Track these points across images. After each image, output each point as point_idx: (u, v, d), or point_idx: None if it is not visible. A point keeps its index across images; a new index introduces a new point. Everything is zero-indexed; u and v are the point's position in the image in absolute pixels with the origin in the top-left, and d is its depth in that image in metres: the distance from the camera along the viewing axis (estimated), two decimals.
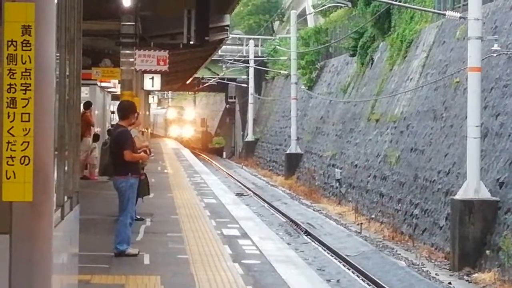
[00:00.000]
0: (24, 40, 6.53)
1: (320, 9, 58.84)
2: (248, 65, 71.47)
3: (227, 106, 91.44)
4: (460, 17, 27.23)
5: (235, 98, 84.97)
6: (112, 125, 11.25)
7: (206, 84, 79.52)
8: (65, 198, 7.35)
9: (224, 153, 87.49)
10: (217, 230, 16.49)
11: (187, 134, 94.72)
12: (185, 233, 15.93)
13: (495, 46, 24.95)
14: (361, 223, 33.23)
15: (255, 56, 70.85)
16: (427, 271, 23.85)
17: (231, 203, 21.86)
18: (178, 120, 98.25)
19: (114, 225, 13.18)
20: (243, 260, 13.18)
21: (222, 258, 13.38)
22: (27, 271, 6.66)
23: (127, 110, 12.89)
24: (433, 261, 25.62)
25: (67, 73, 8.41)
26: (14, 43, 6.51)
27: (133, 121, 13.04)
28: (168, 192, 22.98)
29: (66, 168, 7.33)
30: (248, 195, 43.62)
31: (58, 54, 7.45)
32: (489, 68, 25.87)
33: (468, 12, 24.72)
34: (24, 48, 6.52)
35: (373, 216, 34.65)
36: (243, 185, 49.68)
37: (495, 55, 25.09)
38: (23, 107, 6.50)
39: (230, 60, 73.34)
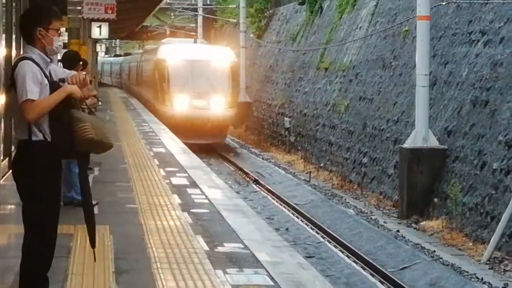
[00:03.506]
0: None
1: None
2: (196, 13, 70.97)
3: None
4: None
5: None
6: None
7: (155, 33, 78.75)
8: (13, 148, 7.32)
9: None
10: (166, 180, 16.50)
11: None
12: (134, 182, 15.93)
13: None
14: (310, 172, 33.40)
15: (203, 4, 70.38)
16: (376, 219, 24.06)
17: (180, 152, 21.84)
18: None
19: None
20: (192, 209, 13.20)
21: (171, 207, 13.42)
22: None
23: (72, 60, 12.80)
24: (381, 209, 25.85)
25: (14, 21, 8.33)
26: None
27: (79, 69, 12.95)
28: (116, 141, 22.86)
29: (13, 118, 7.27)
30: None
31: (3, 2, 7.37)
32: (438, 17, 25.97)
33: None
34: None
35: (322, 165, 34.84)
36: None
37: (444, 3, 25.18)
38: None
39: (179, 8, 72.73)
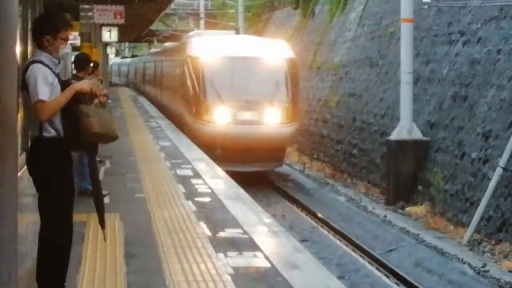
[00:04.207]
0: None
1: None
2: (199, 17, 70.85)
3: None
4: None
5: None
6: (71, 77, 11.19)
7: (162, 36, 78.57)
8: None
9: None
10: (172, 171, 16.48)
11: None
12: (142, 174, 15.91)
13: None
14: (304, 163, 33.42)
15: (205, 10, 70.27)
16: (365, 205, 24.10)
17: (184, 145, 21.82)
18: None
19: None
20: (196, 198, 13.20)
21: (176, 196, 13.40)
22: None
23: (82, 62, 12.78)
24: (370, 196, 25.88)
25: (30, 27, 8.32)
26: None
27: (90, 71, 12.94)
28: (126, 136, 22.85)
29: (26, 117, 7.26)
30: None
31: (20, 9, 7.37)
32: (420, 19, 25.94)
33: None
34: None
35: (315, 156, 34.85)
36: None
37: (426, 7, 25.16)
38: None
39: (182, 13, 72.62)
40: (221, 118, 25.53)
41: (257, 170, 26.09)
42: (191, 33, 38.92)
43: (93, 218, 10.24)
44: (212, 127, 25.48)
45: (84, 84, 6.79)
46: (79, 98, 6.75)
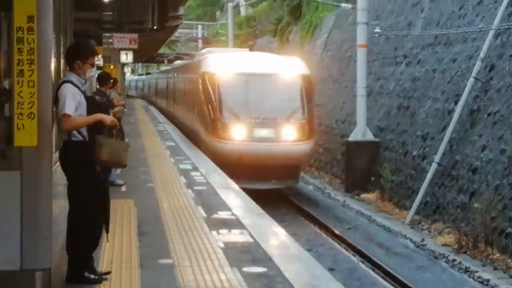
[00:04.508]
0: (29, 26, 6.41)
1: (250, 1, 58.53)
2: (197, 43, 70.76)
3: None
4: (352, 7, 27.31)
5: None
6: (95, 91, 11.10)
7: (168, 58, 78.37)
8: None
9: None
10: (175, 165, 16.48)
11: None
12: (152, 167, 15.88)
13: (377, 29, 25.06)
14: None
15: (202, 36, 70.16)
16: (328, 192, 24.11)
17: (185, 145, 21.77)
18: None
19: None
20: (195, 187, 13.20)
21: (179, 185, 13.38)
22: (33, 198, 6.61)
23: (104, 79, 12.74)
24: (332, 185, 25.89)
25: (62, 51, 8.28)
26: (22, 29, 6.40)
27: (110, 86, 12.90)
28: (139, 137, 22.82)
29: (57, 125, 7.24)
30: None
31: (55, 36, 7.33)
32: (372, 45, 25.96)
33: (357, 4, 24.76)
34: (29, 33, 6.41)
35: None
36: None
37: (377, 35, 25.21)
38: (29, 76, 6.41)
39: (184, 39, 72.52)
40: (237, 135, 20.38)
41: (274, 188, 20.84)
42: (203, 51, 32.94)
43: (113, 204, 10.22)
44: (229, 144, 20.28)
45: (108, 119, 6.74)
46: (100, 126, 6.72)
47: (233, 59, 23.45)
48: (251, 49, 54.99)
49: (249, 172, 19.48)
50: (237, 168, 18.36)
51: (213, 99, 20.91)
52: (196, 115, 23.24)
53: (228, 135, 20.35)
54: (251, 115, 20.64)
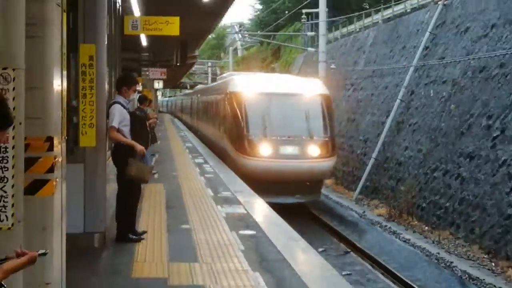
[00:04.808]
0: (90, 63, 6.43)
1: (245, 46, 58.54)
2: (207, 74, 70.75)
3: None
4: (315, 50, 27.35)
5: None
6: (136, 108, 10.96)
7: (188, 84, 77.76)
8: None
9: None
10: (192, 160, 16.39)
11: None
12: (176, 161, 15.76)
13: (332, 66, 25.11)
14: None
15: (212, 72, 70.12)
16: None
17: (200, 145, 21.69)
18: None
19: None
20: (205, 175, 13.16)
21: (194, 174, 13.32)
22: (92, 183, 6.62)
23: (143, 99, 12.69)
24: None
25: (113, 80, 8.28)
26: (85, 65, 6.41)
27: (147, 104, 12.85)
28: (167, 140, 22.75)
29: None
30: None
31: (108, 70, 7.33)
32: (330, 76, 26.02)
33: (319, 48, 24.82)
34: (90, 67, 6.42)
35: None
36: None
37: (332, 70, 25.25)
38: (90, 98, 6.42)
39: (198, 72, 72.41)
40: (264, 152, 15.47)
41: (297, 202, 15.84)
42: (224, 74, 27.06)
43: (149, 187, 10.21)
44: (256, 161, 15.39)
45: (138, 147, 6.57)
46: (133, 151, 6.58)
47: (257, 80, 18.44)
48: None
49: (274, 187, 14.94)
50: (263, 183, 14.19)
51: (240, 118, 16.03)
52: (222, 132, 17.93)
53: (255, 152, 15.52)
54: (277, 133, 15.70)
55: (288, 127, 15.91)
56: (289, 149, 15.61)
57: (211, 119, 22.15)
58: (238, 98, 16.39)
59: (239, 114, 16.09)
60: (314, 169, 15.63)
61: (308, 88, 17.06)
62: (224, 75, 26.92)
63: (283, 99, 16.37)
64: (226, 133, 17.23)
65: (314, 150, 15.63)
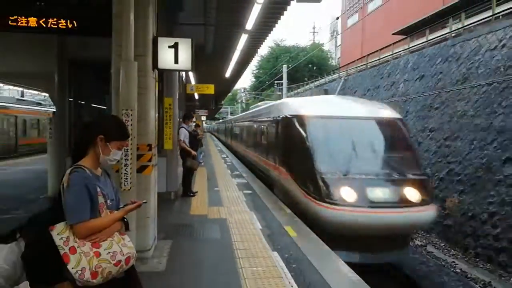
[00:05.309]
0: (169, 106, 6.52)
1: (246, 99, 56.40)
2: (228, 112, 68.88)
3: None
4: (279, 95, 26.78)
5: None
6: (193, 129, 9.40)
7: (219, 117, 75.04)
8: (179, 149, 7.00)
9: None
10: (223, 160, 14.38)
11: None
12: (213, 161, 14.04)
13: None
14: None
15: (230, 112, 68.30)
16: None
17: (227, 152, 18.96)
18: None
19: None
20: (227, 163, 12.42)
21: (223, 166, 12.27)
22: (171, 166, 6.75)
23: (196, 125, 11.89)
24: None
25: (180, 116, 8.47)
26: (166, 108, 6.53)
27: (198, 127, 11.97)
28: (210, 153, 19.14)
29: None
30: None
31: (178, 111, 7.65)
32: None
33: (283, 94, 24.63)
34: (169, 109, 6.54)
35: None
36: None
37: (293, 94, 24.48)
38: (169, 125, 6.54)
39: (223, 112, 70.50)
40: (348, 198, 4.01)
41: (383, 262, 4.14)
42: (259, 103, 14.83)
43: (200, 169, 9.86)
44: (341, 211, 3.88)
45: (193, 152, 6.33)
46: (188, 157, 6.40)
47: (320, 101, 6.09)
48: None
49: (355, 242, 4.31)
50: (346, 238, 4.21)
51: (306, 151, 4.95)
52: (277, 162, 6.55)
53: (336, 198, 4.38)
54: (361, 171, 4.58)
55: (376, 162, 5.06)
56: (380, 193, 4.68)
57: (257, 147, 9.94)
58: (299, 125, 5.50)
59: (304, 147, 5.20)
60: (417, 220, 4.67)
61: (384, 112, 5.85)
62: (259, 103, 14.78)
63: (360, 125, 5.37)
64: (283, 165, 6.22)
65: (413, 193, 4.72)
